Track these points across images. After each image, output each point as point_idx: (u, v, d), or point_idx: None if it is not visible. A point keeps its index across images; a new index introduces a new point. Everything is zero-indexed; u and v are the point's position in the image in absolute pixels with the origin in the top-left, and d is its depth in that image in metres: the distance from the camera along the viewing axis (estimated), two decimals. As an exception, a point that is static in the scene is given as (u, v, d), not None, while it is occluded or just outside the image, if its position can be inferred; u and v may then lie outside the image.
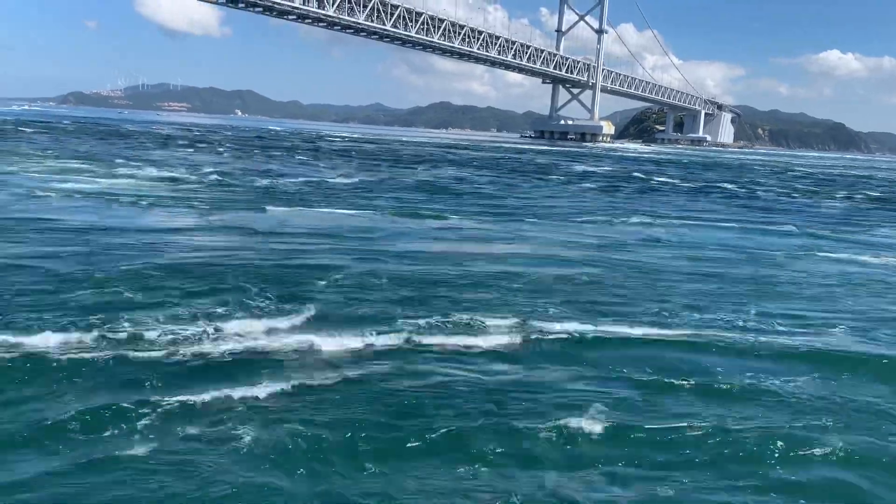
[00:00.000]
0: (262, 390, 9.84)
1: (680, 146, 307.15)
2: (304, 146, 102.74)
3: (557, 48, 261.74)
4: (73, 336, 11.52)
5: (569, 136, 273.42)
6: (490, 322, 13.80)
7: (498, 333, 13.20)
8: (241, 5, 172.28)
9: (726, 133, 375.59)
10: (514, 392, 10.52)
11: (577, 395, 10.54)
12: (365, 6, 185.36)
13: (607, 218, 34.11)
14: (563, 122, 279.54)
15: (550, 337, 13.22)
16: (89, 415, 8.75)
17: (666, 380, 11.22)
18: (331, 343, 12.05)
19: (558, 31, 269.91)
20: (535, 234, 27.70)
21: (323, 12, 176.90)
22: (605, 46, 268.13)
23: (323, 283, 16.57)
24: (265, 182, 42.68)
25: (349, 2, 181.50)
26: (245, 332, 12.36)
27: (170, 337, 11.89)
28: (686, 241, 27.45)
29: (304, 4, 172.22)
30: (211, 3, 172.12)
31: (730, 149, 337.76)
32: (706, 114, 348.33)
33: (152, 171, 44.61)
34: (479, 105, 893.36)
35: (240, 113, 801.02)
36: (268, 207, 30.46)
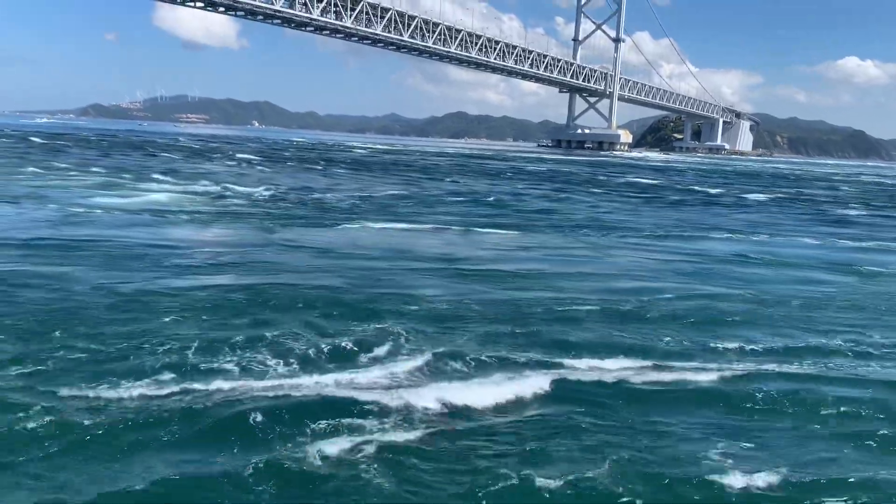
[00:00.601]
0: (346, 441, 8.66)
1: (699, 154, 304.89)
2: (335, 157, 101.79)
3: (574, 57, 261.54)
4: (155, 381, 10.39)
5: (586, 145, 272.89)
6: (615, 364, 11.99)
7: (634, 375, 11.52)
8: (259, 18, 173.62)
9: (745, 141, 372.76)
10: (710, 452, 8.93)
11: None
12: (382, 17, 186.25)
13: (688, 234, 32.08)
14: (580, 130, 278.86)
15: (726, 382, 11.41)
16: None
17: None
18: (434, 389, 10.47)
19: (575, 40, 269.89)
20: (617, 251, 26.02)
21: (341, 24, 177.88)
22: (622, 55, 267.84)
23: (414, 308, 15.24)
24: (315, 196, 41.43)
25: (367, 13, 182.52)
26: (335, 372, 11.08)
27: (255, 375, 10.76)
28: (801, 261, 25.08)
29: (321, 16, 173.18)
30: (230, 15, 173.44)
31: (749, 157, 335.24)
32: (724, 122, 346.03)
33: (194, 186, 43.73)
34: (494, 114, 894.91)
35: (256, 124, 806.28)
36: (331, 224, 29.40)
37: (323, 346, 12.20)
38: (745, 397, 10.77)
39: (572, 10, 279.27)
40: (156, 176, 49.73)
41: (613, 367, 11.89)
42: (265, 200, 37.56)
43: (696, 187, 72.21)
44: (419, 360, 11.69)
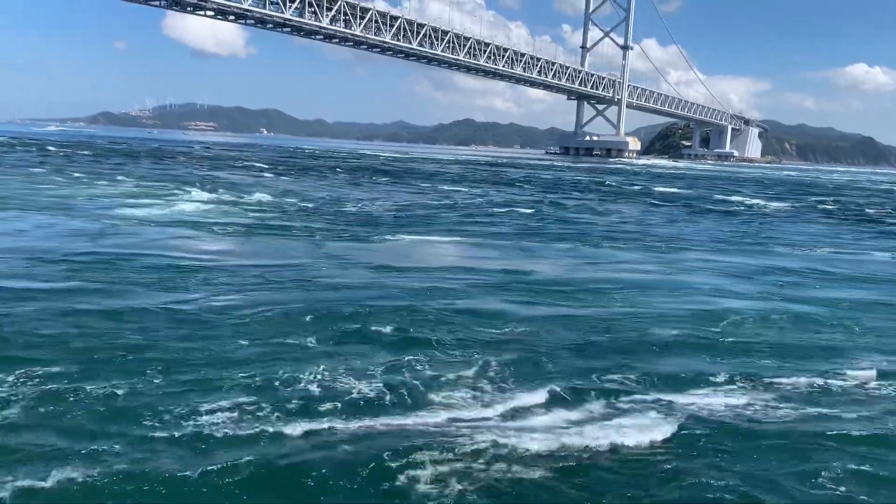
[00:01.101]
0: (455, 486, 7.95)
1: (709, 162, 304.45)
2: (355, 165, 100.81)
3: (582, 64, 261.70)
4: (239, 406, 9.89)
5: (594, 153, 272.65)
6: (738, 399, 10.93)
7: (761, 411, 10.43)
8: (269, 26, 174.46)
9: (754, 148, 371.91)
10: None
11: None
12: (392, 26, 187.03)
13: (750, 248, 30.45)
14: (588, 138, 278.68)
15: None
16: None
17: None
18: (541, 429, 9.49)
19: (583, 47, 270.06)
20: (687, 265, 24.67)
21: (350, 32, 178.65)
22: (629, 62, 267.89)
23: (494, 330, 14.31)
24: (350, 207, 40.25)
25: (376, 22, 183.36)
26: (430, 406, 10.16)
27: (345, 404, 10.06)
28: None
29: (331, 25, 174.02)
30: (240, 24, 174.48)
31: (758, 164, 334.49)
32: (733, 129, 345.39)
33: (224, 195, 42.74)
34: (501, 121, 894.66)
35: (265, 132, 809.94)
36: (378, 237, 28.11)
37: (407, 373, 11.46)
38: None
39: (579, 17, 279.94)
40: (183, 185, 48.81)
41: (738, 402, 10.81)
42: (301, 212, 36.52)
43: (732, 197, 69.64)
44: (517, 392, 10.89)
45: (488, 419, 9.80)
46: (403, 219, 35.69)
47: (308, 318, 14.54)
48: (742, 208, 56.15)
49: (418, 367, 11.82)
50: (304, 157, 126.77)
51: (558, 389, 11.02)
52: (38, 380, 10.41)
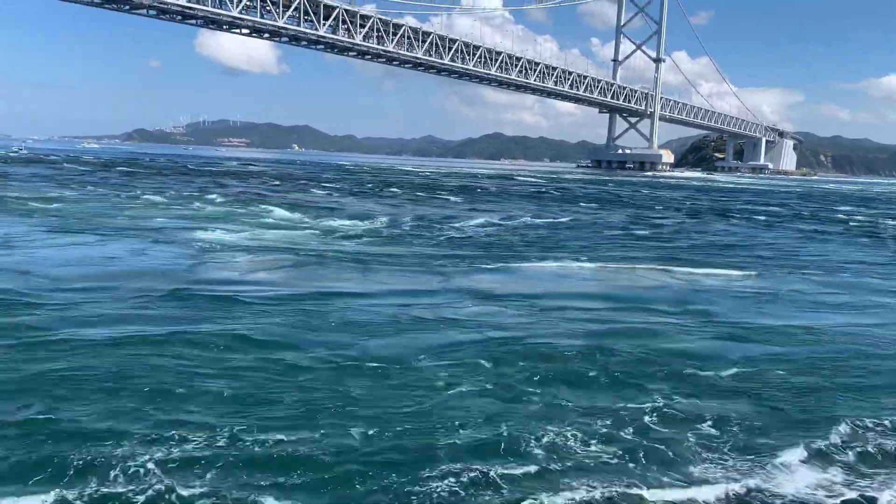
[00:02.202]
0: None
1: (745, 175, 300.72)
2: (407, 182, 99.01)
3: (614, 77, 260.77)
4: None
5: (627, 165, 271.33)
6: None
7: None
8: (303, 43, 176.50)
9: (788, 160, 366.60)
10: None
11: None
12: (424, 41, 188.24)
13: None
14: (620, 151, 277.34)
15: None
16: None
17: None
18: None
19: (615, 60, 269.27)
20: (876, 295, 22.69)
21: (383, 48, 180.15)
22: (661, 74, 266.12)
23: (717, 377, 12.92)
24: (447, 229, 37.98)
25: (408, 38, 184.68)
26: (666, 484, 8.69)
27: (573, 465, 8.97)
28: None
29: (364, 41, 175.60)
30: (274, 41, 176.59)
31: (793, 176, 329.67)
32: (767, 141, 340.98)
33: (305, 217, 40.86)
34: (530, 135, 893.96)
35: (296, 147, 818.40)
36: (501, 263, 25.95)
37: (638, 434, 10.06)
38: None
39: (608, 31, 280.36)
40: (261, 206, 46.72)
41: None
42: (399, 235, 34.33)
43: (839, 213, 66.00)
44: (765, 451, 9.60)
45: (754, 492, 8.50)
46: (515, 241, 33.48)
47: (488, 364, 13.02)
48: (850, 225, 53.40)
49: (651, 425, 10.39)
50: (358, 174, 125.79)
51: (817, 445, 9.63)
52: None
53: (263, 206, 45.93)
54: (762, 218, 57.15)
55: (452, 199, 66.67)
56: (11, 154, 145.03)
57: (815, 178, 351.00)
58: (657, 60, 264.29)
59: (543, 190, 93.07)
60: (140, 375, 11.70)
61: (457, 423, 10.19)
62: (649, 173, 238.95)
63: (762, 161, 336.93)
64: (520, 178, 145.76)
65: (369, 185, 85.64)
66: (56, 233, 29.54)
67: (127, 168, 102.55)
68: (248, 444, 9.23)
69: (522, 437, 9.71)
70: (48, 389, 10.85)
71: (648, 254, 31.01)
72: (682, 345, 15.06)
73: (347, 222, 39.28)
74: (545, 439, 9.69)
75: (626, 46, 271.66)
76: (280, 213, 42.33)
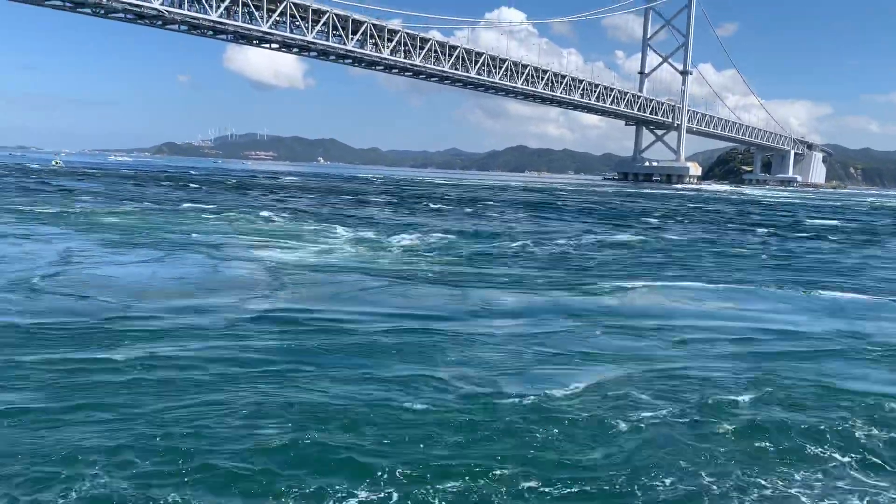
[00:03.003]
0: None
1: (778, 188, 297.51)
2: (450, 196, 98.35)
3: (640, 89, 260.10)
4: None
5: (654, 178, 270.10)
6: None
7: None
8: (331, 58, 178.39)
9: (818, 173, 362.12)
10: None
11: None
12: (450, 55, 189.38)
13: None
14: (647, 163, 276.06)
15: None
16: None
17: None
18: None
19: (641, 72, 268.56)
20: None
21: (410, 62, 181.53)
22: (688, 87, 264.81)
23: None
24: (512, 244, 37.19)
25: (435, 51, 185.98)
26: None
27: None
28: None
29: (391, 55, 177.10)
30: (303, 56, 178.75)
31: (824, 189, 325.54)
32: (795, 153, 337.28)
33: (370, 234, 39.58)
34: (554, 148, 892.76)
35: (322, 160, 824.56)
36: (593, 285, 24.48)
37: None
38: None
39: (631, 43, 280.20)
40: (323, 223, 45.63)
41: None
42: (478, 254, 32.73)
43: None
44: None
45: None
46: (604, 262, 32.04)
47: (629, 413, 11.60)
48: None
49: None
50: (401, 187, 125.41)
51: None
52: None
53: (322, 223, 45.01)
54: (835, 235, 54.95)
55: (509, 214, 65.70)
56: (52, 167, 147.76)
57: (846, 190, 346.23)
58: (684, 73, 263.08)
59: (594, 206, 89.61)
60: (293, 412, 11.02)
61: (651, 473, 9.36)
62: (678, 186, 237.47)
63: (790, 174, 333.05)
64: (561, 192, 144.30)
65: (415, 199, 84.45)
66: (120, 248, 29.57)
67: (172, 183, 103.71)
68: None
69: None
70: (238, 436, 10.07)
71: (761, 275, 29.17)
72: (832, 377, 13.98)
73: (412, 238, 38.19)
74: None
75: (652, 59, 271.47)
76: (341, 230, 41.22)
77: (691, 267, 31.42)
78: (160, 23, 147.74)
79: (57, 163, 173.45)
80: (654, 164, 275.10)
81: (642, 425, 10.90)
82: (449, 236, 40.30)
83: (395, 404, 11.52)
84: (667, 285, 25.18)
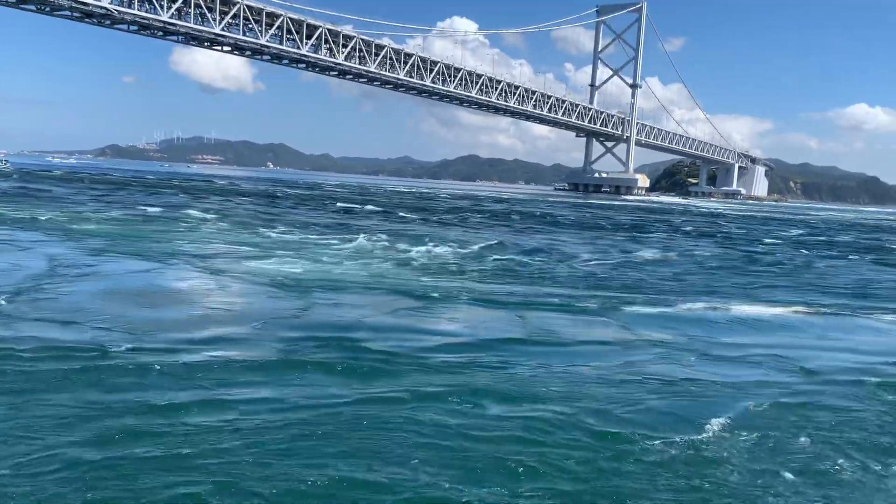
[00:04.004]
0: None
1: (726, 201, 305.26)
2: (431, 206, 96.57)
3: (591, 102, 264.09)
4: None
5: (603, 189, 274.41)
6: None
7: None
8: (285, 62, 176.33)
9: (760, 186, 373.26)
10: None
11: None
12: (405, 63, 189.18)
13: None
14: (597, 174, 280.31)
15: None
16: None
17: None
18: None
19: (592, 85, 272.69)
20: None
21: (365, 68, 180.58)
22: (637, 100, 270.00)
23: None
24: (526, 258, 35.69)
25: (390, 59, 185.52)
26: None
27: None
28: None
29: (346, 61, 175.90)
30: (256, 59, 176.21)
31: (766, 202, 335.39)
32: (740, 167, 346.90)
33: (393, 244, 38.18)
34: (506, 158, 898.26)
35: (271, 165, 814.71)
36: (677, 305, 23.24)
37: None
38: None
39: (580, 55, 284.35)
40: (335, 234, 43.45)
41: None
42: (503, 268, 31.25)
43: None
44: None
45: None
46: (646, 280, 30.24)
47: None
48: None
49: None
50: (370, 194, 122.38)
51: None
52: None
53: (320, 234, 43.09)
54: (835, 252, 54.00)
55: (512, 226, 64.12)
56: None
57: (794, 203, 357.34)
58: (634, 86, 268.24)
59: (583, 219, 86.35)
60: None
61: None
62: (628, 197, 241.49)
63: (735, 186, 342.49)
64: (527, 202, 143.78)
65: (405, 209, 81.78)
66: (107, 256, 27.98)
67: (141, 187, 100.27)
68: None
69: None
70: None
71: (827, 298, 27.61)
72: None
73: (431, 250, 36.76)
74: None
75: (602, 72, 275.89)
76: (365, 242, 39.49)
77: (748, 286, 29.90)
78: (108, 22, 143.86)
79: (4, 164, 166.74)
80: (604, 175, 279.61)
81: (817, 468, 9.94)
82: (462, 250, 38.25)
83: (530, 451, 10.11)
84: (748, 308, 23.53)
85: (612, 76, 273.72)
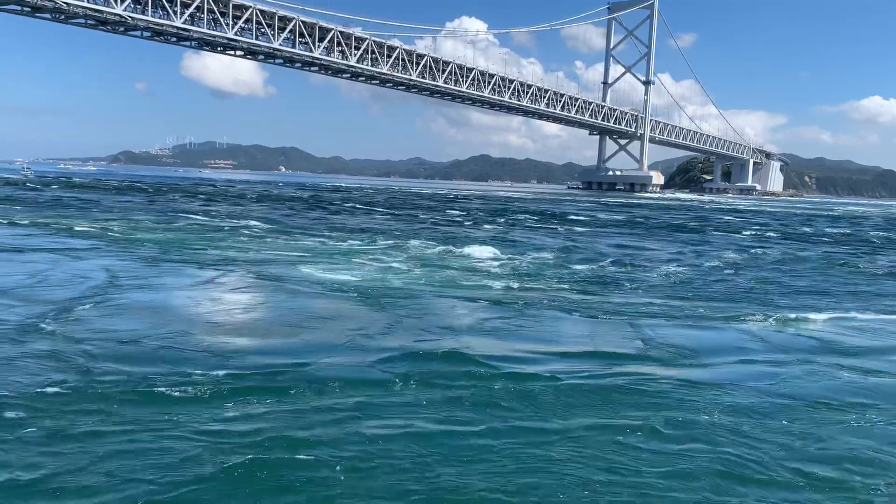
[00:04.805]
0: None
1: (730, 196, 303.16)
2: (494, 208, 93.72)
3: (604, 99, 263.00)
4: None
5: (617, 187, 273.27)
6: None
7: None
8: (297, 65, 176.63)
9: (776, 181, 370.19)
10: None
11: None
12: (418, 63, 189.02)
13: None
14: (611, 172, 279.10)
15: None
16: None
17: None
18: None
19: (604, 83, 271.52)
20: None
21: (377, 70, 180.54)
22: (650, 97, 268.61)
23: None
24: (603, 263, 33.62)
25: (402, 59, 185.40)
26: None
27: None
28: None
29: (358, 63, 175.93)
30: (269, 63, 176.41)
31: (783, 198, 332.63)
32: (754, 162, 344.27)
33: (445, 248, 36.62)
34: (517, 157, 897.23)
35: (283, 169, 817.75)
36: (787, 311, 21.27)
37: None
38: None
39: (590, 53, 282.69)
40: (388, 239, 41.52)
41: None
42: (573, 278, 28.37)
43: None
44: None
45: None
46: (741, 287, 27.56)
47: None
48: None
49: None
50: (420, 199, 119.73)
51: None
52: None
53: (372, 240, 40.99)
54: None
55: (558, 227, 61.49)
56: (20, 177, 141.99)
57: (814, 198, 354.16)
58: (647, 83, 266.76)
59: (633, 220, 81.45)
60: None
61: None
62: (644, 195, 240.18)
63: (750, 182, 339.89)
64: (534, 199, 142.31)
65: (452, 212, 78.70)
66: (175, 265, 27.06)
67: (177, 193, 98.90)
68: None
69: None
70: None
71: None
72: None
73: (497, 254, 34.91)
74: None
75: (615, 69, 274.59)
76: (421, 244, 38.32)
77: (859, 290, 27.72)
78: (122, 29, 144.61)
79: (26, 173, 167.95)
80: (618, 173, 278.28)
81: None
82: (530, 255, 36.07)
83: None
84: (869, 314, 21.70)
85: (624, 73, 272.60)
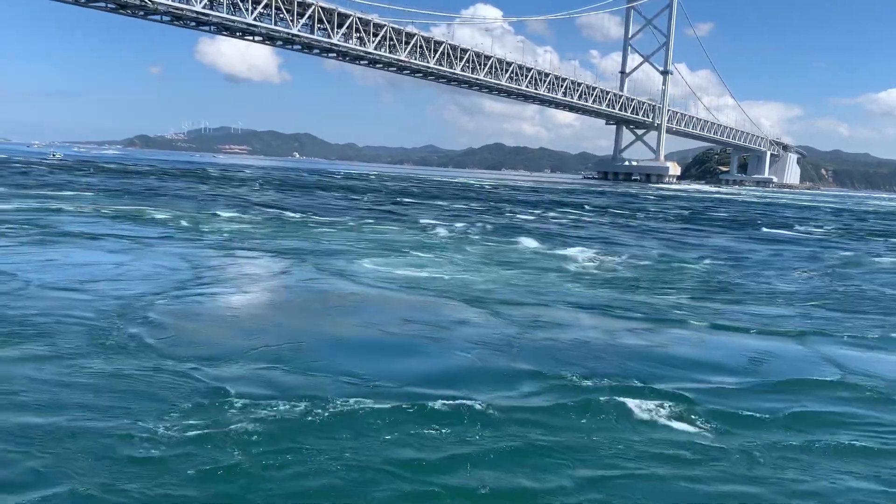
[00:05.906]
0: None
1: (747, 187, 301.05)
2: (513, 197, 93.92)
3: (621, 89, 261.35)
4: None
5: (633, 178, 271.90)
6: None
7: None
8: (315, 51, 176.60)
9: (792, 174, 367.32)
10: None
11: None
12: (436, 51, 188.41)
13: None
14: (627, 162, 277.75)
15: None
16: None
17: None
18: None
19: (622, 72, 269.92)
20: None
21: (395, 57, 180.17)
22: (668, 87, 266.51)
23: None
24: (723, 268, 31.29)
25: (420, 47, 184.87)
26: None
27: None
28: None
29: (376, 49, 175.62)
30: (287, 49, 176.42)
31: (799, 190, 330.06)
32: (771, 154, 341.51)
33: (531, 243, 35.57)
34: (531, 146, 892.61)
35: (297, 155, 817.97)
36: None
37: None
38: None
39: (606, 42, 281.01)
40: (435, 235, 39.59)
41: None
42: (700, 280, 26.93)
43: None
44: None
45: None
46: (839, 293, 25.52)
47: None
48: None
49: None
50: (459, 189, 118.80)
51: None
52: None
53: (442, 235, 39.43)
54: None
55: (628, 222, 59.94)
56: (51, 160, 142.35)
57: (833, 191, 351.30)
58: (664, 72, 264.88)
59: (684, 216, 77.38)
60: None
61: None
62: (660, 185, 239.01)
63: (766, 174, 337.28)
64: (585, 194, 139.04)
65: (491, 202, 78.51)
66: (249, 256, 26.78)
67: (221, 181, 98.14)
68: None
69: None
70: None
71: None
72: None
73: (584, 254, 33.31)
74: None
75: (632, 58, 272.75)
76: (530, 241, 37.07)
77: None
78: (142, 13, 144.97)
79: (55, 155, 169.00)
80: (634, 163, 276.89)
81: None
82: (620, 255, 34.18)
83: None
84: None
85: (642, 63, 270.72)
